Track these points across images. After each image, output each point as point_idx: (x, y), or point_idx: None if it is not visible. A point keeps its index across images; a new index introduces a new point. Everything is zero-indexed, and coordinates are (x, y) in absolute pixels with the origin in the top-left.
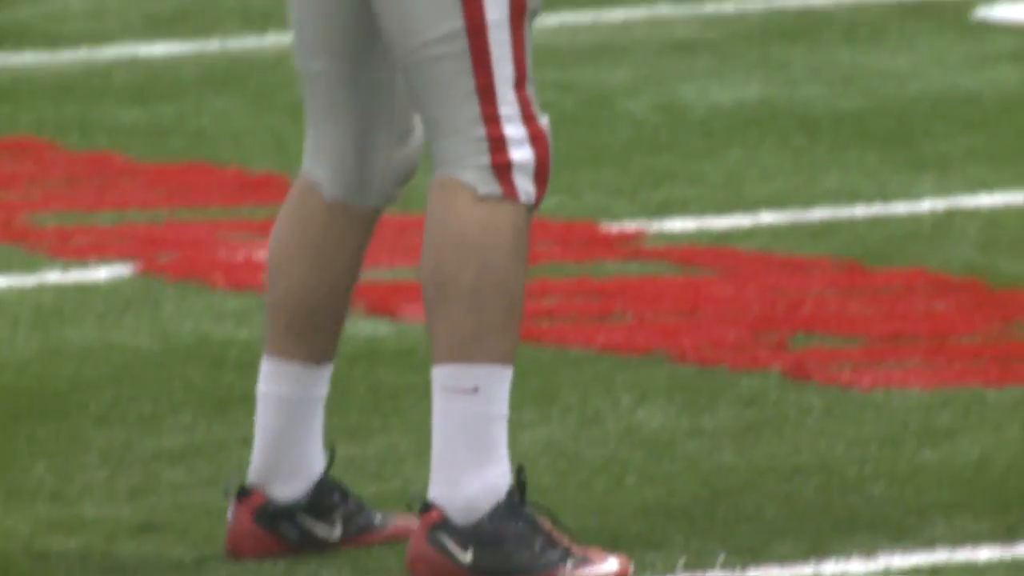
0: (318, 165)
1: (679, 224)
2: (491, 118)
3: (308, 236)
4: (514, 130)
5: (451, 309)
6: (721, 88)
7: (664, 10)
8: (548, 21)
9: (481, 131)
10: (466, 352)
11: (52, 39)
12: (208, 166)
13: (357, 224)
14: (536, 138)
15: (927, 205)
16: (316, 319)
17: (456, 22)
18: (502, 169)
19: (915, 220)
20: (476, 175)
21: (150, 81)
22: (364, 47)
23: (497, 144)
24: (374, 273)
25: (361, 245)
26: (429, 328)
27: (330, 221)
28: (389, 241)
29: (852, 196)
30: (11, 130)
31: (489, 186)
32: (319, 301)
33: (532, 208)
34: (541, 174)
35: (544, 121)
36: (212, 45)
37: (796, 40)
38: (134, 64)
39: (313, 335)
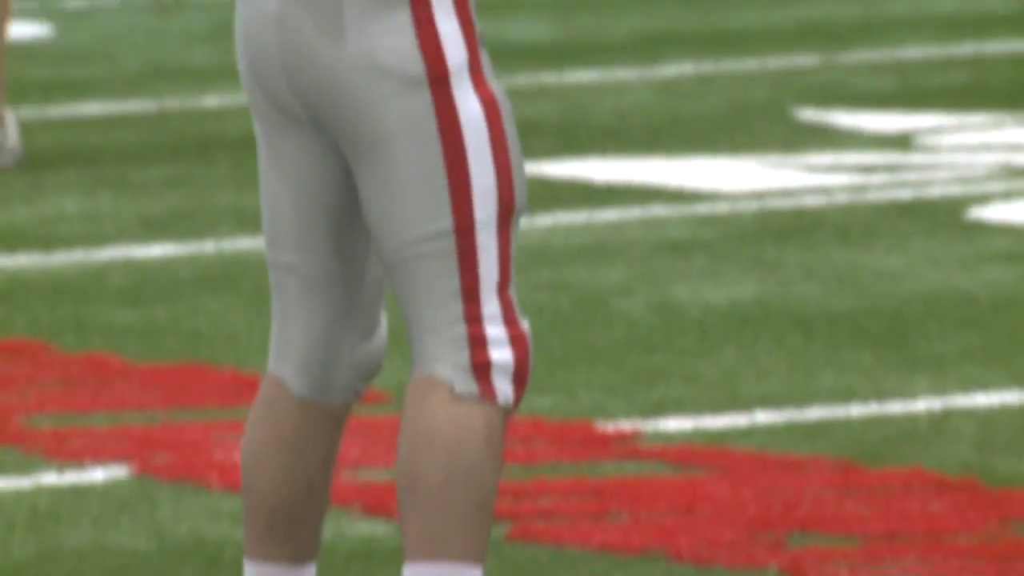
0: (285, 362)
1: (675, 424)
2: (473, 318)
3: (281, 435)
4: (495, 331)
5: (420, 507)
6: (715, 288)
7: (658, 210)
8: (542, 221)
9: (462, 330)
10: (433, 550)
11: (47, 241)
12: (204, 367)
13: (328, 419)
14: (517, 340)
15: (923, 404)
16: (296, 518)
17: (445, 221)
18: (481, 368)
19: (911, 419)
20: (454, 373)
21: (145, 282)
22: (340, 242)
23: (477, 343)
24: (370, 473)
25: (334, 439)
26: (401, 526)
27: (301, 418)
28: (385, 441)
29: (847, 395)
30: (6, 332)
31: (466, 385)
32: (297, 499)
33: (509, 410)
34: (520, 376)
35: (525, 324)
36: (207, 247)
37: (789, 240)
38: (129, 266)
39: (294, 534)
